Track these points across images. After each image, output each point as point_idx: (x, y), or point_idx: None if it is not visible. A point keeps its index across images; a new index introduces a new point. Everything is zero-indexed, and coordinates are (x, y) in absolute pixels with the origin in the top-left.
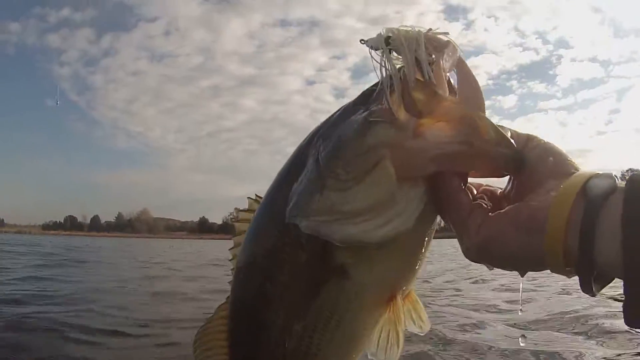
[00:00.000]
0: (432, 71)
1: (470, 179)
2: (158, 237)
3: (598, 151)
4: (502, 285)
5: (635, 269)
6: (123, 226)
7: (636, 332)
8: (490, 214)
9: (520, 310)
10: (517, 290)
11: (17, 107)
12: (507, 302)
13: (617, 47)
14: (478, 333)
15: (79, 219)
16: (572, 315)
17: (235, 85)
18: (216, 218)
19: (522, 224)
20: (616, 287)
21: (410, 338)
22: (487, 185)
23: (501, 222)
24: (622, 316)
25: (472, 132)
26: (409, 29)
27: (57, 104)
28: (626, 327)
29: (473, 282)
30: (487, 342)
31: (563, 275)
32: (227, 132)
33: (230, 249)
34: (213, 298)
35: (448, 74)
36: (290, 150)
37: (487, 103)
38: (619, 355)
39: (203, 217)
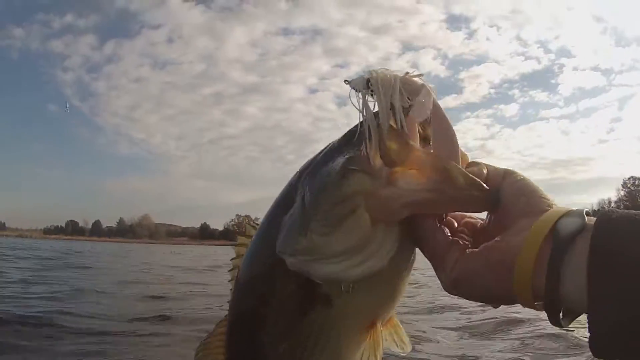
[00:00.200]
0: (406, 118)
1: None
2: (159, 242)
3: (600, 159)
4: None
5: (598, 310)
6: (124, 231)
7: None
8: (467, 250)
9: None
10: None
11: (20, 112)
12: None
13: (619, 56)
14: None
15: (81, 224)
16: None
17: (238, 93)
18: (217, 224)
19: (493, 266)
20: None
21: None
22: (469, 217)
23: (475, 262)
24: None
25: (442, 180)
26: (387, 71)
27: (66, 108)
28: None
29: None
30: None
31: (534, 310)
32: (229, 139)
33: (231, 259)
34: (210, 302)
35: (423, 118)
36: (292, 158)
37: (489, 112)
38: None
39: (204, 223)
